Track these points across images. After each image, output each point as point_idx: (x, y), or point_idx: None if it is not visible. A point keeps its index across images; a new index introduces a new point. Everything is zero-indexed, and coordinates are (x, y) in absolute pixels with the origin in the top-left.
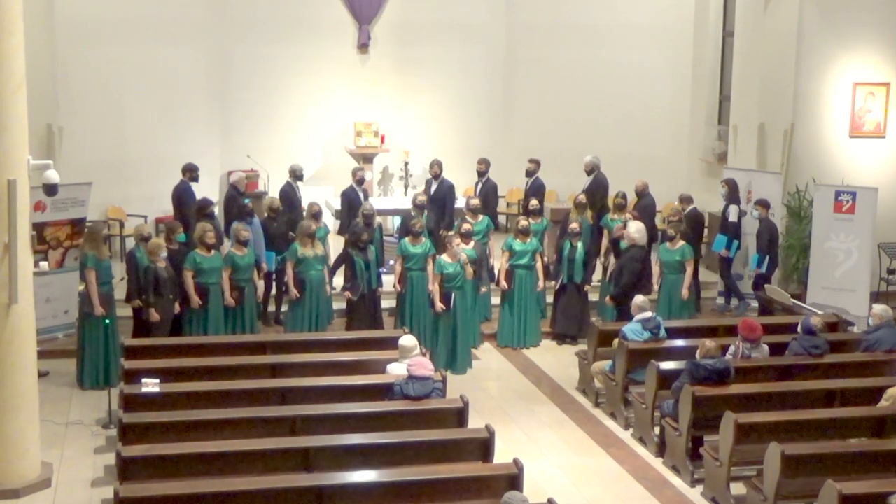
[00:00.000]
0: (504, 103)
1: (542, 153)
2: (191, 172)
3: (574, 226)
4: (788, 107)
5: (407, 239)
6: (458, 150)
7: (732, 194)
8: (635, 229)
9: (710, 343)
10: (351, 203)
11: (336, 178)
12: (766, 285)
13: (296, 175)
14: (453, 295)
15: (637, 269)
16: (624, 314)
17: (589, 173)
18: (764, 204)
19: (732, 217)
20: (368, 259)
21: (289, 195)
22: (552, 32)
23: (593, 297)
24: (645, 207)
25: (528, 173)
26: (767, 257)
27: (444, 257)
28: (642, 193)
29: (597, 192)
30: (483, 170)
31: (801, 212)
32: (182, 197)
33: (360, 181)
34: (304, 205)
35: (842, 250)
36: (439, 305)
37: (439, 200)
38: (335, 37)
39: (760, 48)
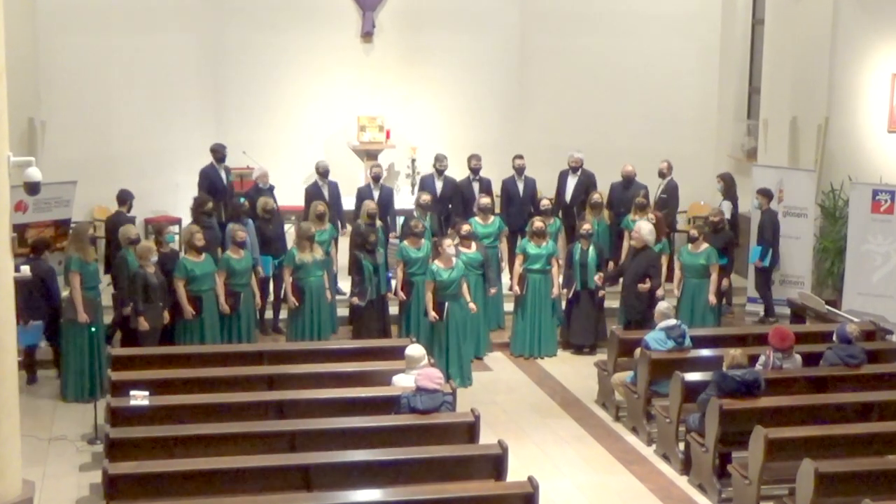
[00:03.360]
0: (518, 96)
1: (557, 149)
2: (214, 153)
3: (587, 227)
4: (823, 100)
5: (406, 242)
6: (468, 145)
7: (729, 191)
8: (648, 231)
9: (736, 352)
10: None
11: (338, 176)
12: (800, 292)
13: (321, 173)
14: (446, 305)
15: (659, 267)
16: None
17: (575, 170)
18: (765, 194)
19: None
20: (377, 262)
21: (314, 195)
22: (569, 20)
23: (610, 303)
24: (631, 198)
25: (520, 171)
26: (770, 250)
27: (438, 263)
28: (630, 180)
29: (590, 191)
30: (477, 166)
31: (836, 212)
32: (201, 181)
33: (377, 178)
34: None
35: (880, 253)
36: (432, 315)
37: (445, 200)
38: (337, 24)
39: (792, 37)
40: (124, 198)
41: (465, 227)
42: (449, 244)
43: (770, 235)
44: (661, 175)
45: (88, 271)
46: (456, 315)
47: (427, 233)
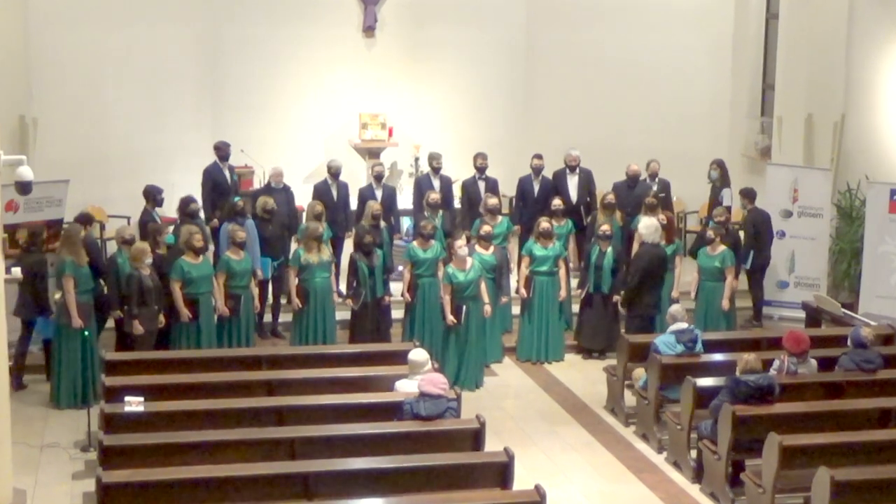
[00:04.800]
0: (524, 92)
1: (565, 147)
2: (218, 151)
3: (605, 228)
4: (839, 96)
5: (415, 242)
6: (472, 143)
7: (725, 178)
8: (643, 225)
9: (750, 357)
10: (367, 203)
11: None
12: (816, 294)
13: (332, 173)
14: (464, 307)
15: (642, 267)
16: (636, 320)
17: (573, 169)
18: (748, 194)
19: (727, 202)
20: (373, 264)
21: (321, 194)
22: (577, 14)
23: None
24: (637, 198)
25: (537, 171)
26: (752, 252)
27: (453, 265)
28: (635, 180)
29: (591, 189)
30: (483, 165)
31: (853, 212)
32: (205, 180)
33: (379, 177)
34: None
35: None
36: (450, 318)
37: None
38: (338, 18)
39: (808, 32)
40: (150, 194)
41: (486, 228)
42: (461, 245)
43: (752, 236)
44: (654, 176)
45: (82, 274)
46: (475, 317)
47: (438, 233)
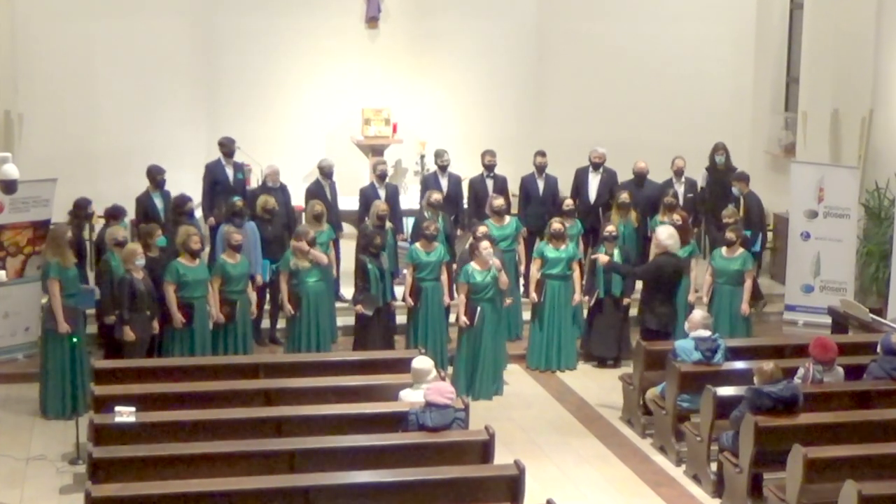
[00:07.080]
0: (535, 86)
1: (577, 144)
2: (222, 147)
3: (610, 229)
4: (866, 91)
5: (418, 244)
6: (481, 140)
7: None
8: (668, 235)
9: (768, 366)
10: (370, 203)
11: (340, 174)
12: (842, 299)
13: (325, 172)
14: (479, 309)
15: (654, 274)
16: (649, 335)
17: (596, 167)
18: (741, 178)
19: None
20: (383, 267)
21: (315, 195)
22: (591, 4)
23: (634, 311)
24: (647, 198)
25: (541, 169)
26: (760, 234)
27: (474, 264)
28: (642, 178)
29: (613, 190)
30: (492, 163)
31: (882, 212)
32: (205, 176)
33: (382, 176)
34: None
35: None
36: (463, 319)
37: (451, 198)
38: (340, 8)
39: (834, 23)
40: (150, 174)
41: (482, 229)
42: (486, 246)
43: (758, 218)
44: (679, 174)
45: (68, 277)
46: (491, 319)
47: (440, 235)
